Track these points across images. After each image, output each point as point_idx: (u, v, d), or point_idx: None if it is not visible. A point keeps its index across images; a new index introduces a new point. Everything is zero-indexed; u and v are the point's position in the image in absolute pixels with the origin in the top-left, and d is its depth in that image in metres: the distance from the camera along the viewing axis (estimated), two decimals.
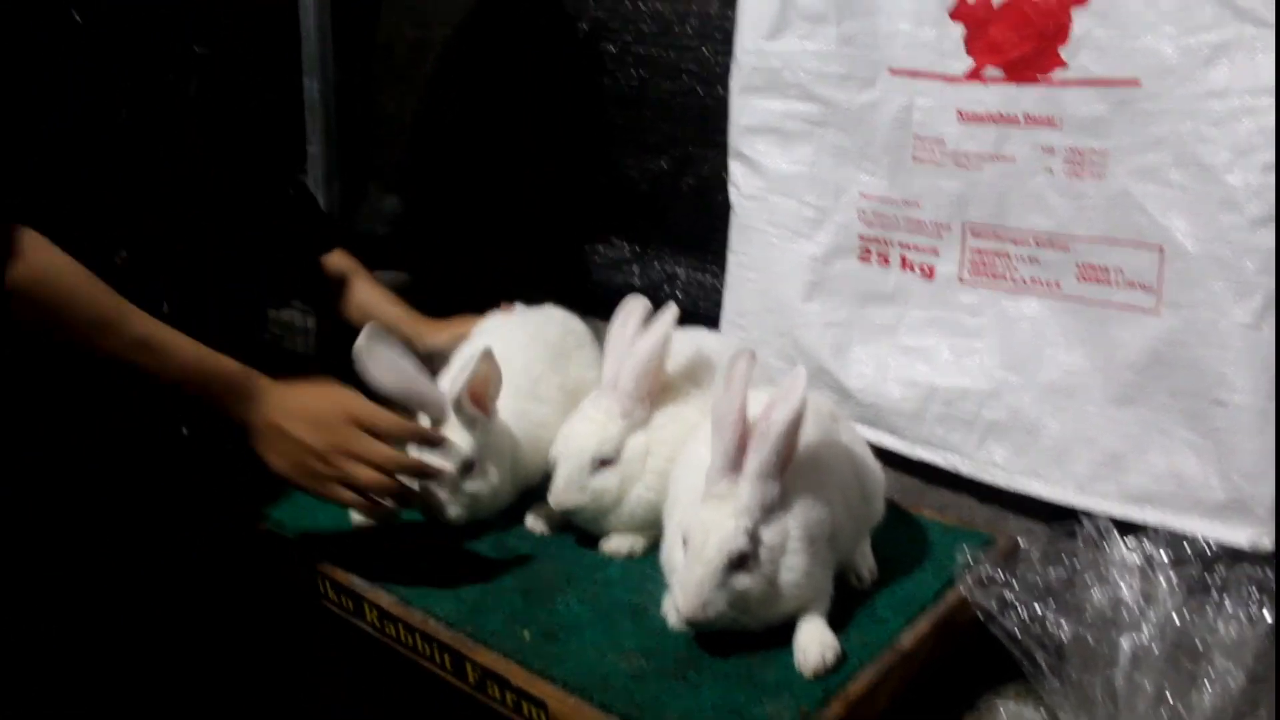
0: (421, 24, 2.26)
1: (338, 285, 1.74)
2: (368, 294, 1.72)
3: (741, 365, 1.18)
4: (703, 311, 1.80)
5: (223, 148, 1.59)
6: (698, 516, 1.15)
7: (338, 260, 1.75)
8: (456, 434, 1.38)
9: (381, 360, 1.36)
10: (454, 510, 1.39)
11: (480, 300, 1.70)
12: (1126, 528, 1.32)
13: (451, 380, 1.42)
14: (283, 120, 1.79)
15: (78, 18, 1.32)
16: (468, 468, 1.39)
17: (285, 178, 1.77)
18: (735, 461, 1.15)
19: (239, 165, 1.65)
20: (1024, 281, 1.45)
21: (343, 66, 2.36)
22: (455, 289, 1.81)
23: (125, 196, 1.40)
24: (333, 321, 1.75)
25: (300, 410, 1.31)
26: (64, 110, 1.32)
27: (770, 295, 1.66)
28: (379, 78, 2.40)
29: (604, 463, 1.35)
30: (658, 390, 1.38)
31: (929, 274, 1.54)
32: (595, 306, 1.96)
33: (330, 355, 2.54)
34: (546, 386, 1.51)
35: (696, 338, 1.48)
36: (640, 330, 1.38)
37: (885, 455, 1.56)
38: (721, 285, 1.74)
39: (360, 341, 1.35)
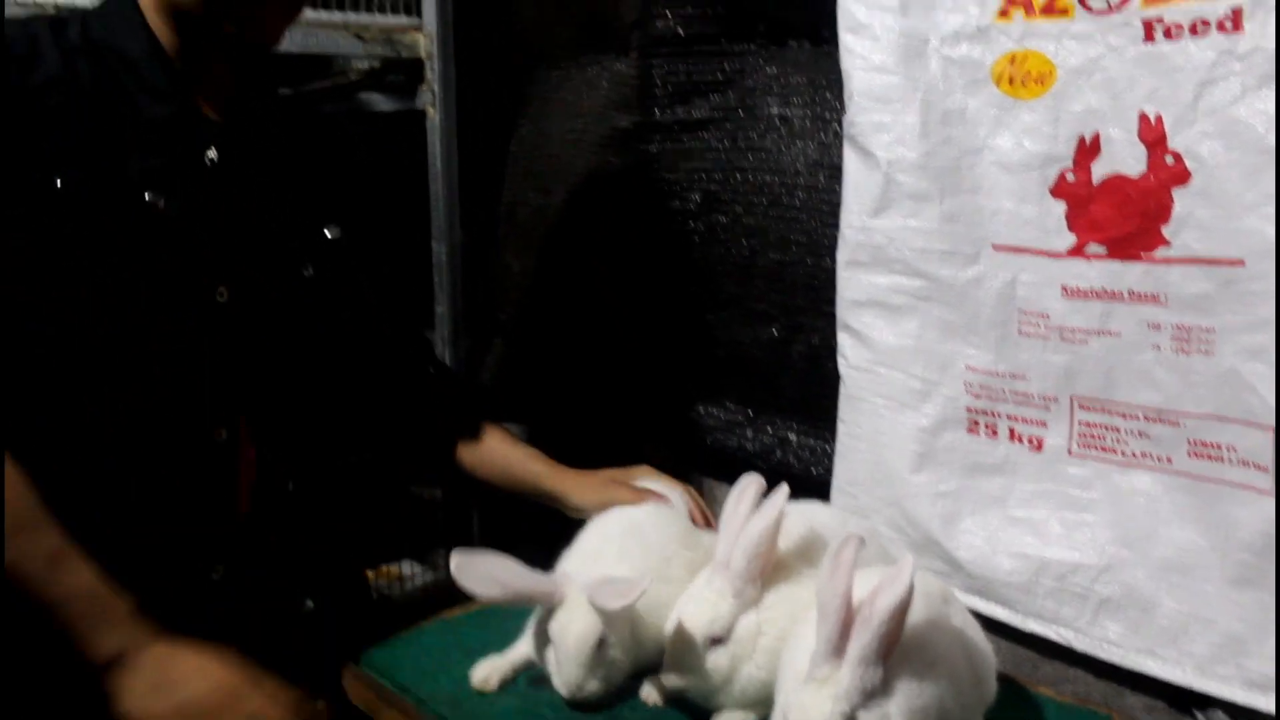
0: (543, 190, 2.36)
1: (478, 451, 1.72)
2: (508, 452, 1.71)
3: (848, 552, 1.20)
4: (815, 476, 1.82)
5: (349, 326, 1.64)
6: (797, 698, 1.17)
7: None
8: (580, 614, 1.41)
9: (481, 578, 1.40)
10: (592, 685, 1.42)
11: (598, 456, 1.74)
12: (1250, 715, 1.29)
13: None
14: (413, 293, 1.83)
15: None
16: (601, 644, 1.42)
17: (423, 356, 1.78)
18: (838, 646, 1.17)
19: (369, 344, 1.68)
20: (1134, 456, 1.45)
21: (469, 230, 2.48)
22: (573, 443, 1.86)
23: (241, 372, 1.46)
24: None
25: (186, 685, 1.20)
26: (162, 297, 1.38)
27: (880, 465, 1.67)
28: (503, 240, 2.50)
29: (715, 641, 1.37)
30: (770, 569, 1.40)
31: (1037, 446, 1.54)
32: (710, 468, 2.01)
33: (458, 498, 2.62)
34: (676, 566, 1.51)
35: (809, 513, 1.50)
36: (754, 509, 1.41)
37: (997, 627, 1.55)
38: (833, 449, 1.77)
39: (454, 569, 1.38)
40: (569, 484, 1.65)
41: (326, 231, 1.56)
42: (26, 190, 1.28)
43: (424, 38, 2.35)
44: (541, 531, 1.69)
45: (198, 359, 1.41)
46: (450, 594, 1.45)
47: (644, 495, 1.61)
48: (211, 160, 1.42)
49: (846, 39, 1.62)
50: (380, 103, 2.50)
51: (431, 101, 2.36)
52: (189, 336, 1.40)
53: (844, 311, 1.69)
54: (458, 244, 2.41)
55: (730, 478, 1.45)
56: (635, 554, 1.50)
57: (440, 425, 1.72)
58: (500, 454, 1.70)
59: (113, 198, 1.33)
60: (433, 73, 2.35)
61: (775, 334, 1.89)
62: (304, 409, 1.55)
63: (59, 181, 1.29)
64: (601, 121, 2.16)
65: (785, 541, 1.44)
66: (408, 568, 2.73)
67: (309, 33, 2.20)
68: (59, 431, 1.35)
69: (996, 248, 1.53)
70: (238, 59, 1.47)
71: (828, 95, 1.80)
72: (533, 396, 2.45)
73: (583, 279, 2.27)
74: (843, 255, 1.67)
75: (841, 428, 1.73)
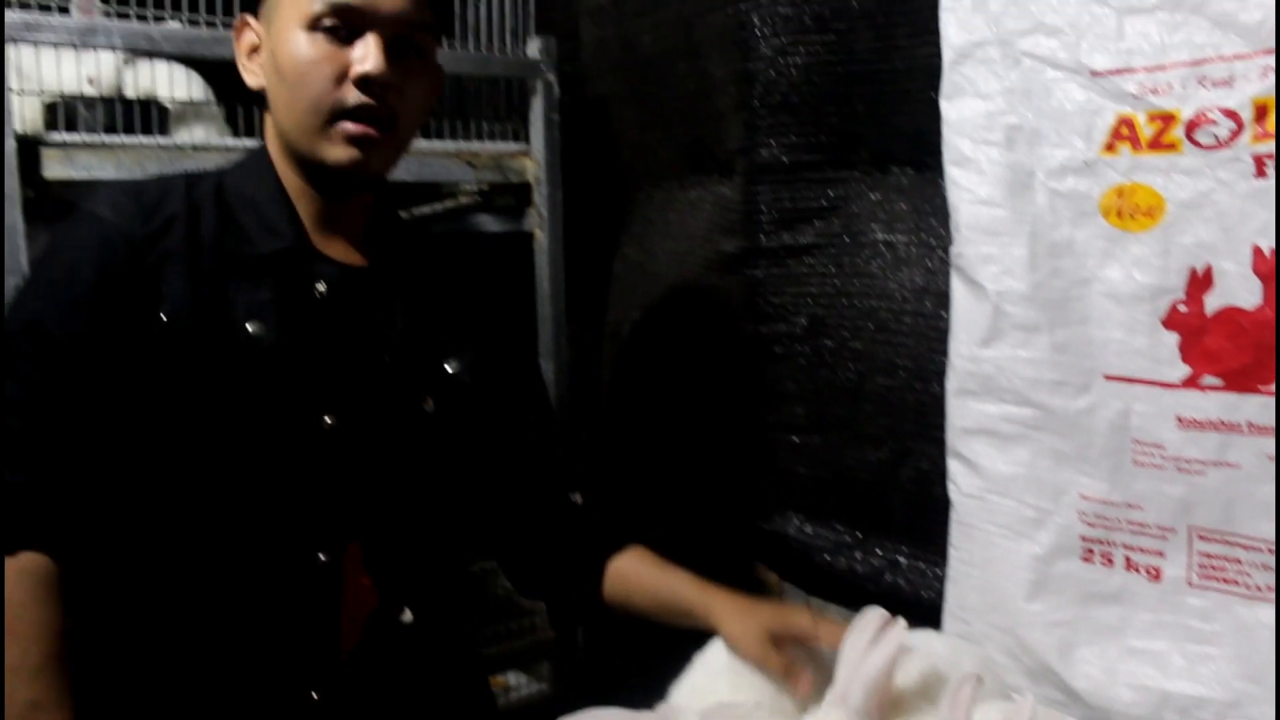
0: (648, 309, 2.42)
1: (625, 584, 1.64)
2: (657, 581, 1.62)
3: (966, 691, 1.20)
4: (925, 599, 1.82)
5: (475, 460, 1.64)
6: None
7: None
8: None
9: None
10: None
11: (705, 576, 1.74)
12: None
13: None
14: (550, 423, 1.77)
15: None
16: None
17: (565, 485, 1.73)
18: None
19: (499, 478, 1.68)
20: (1259, 589, 1.43)
21: (575, 347, 2.54)
22: (679, 563, 1.88)
23: (348, 499, 1.49)
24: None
25: None
26: (263, 421, 1.44)
27: (993, 593, 1.67)
28: (608, 357, 2.56)
29: None
30: (887, 705, 1.40)
31: (1155, 576, 1.53)
32: (819, 589, 2.01)
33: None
34: (788, 699, 1.51)
35: (924, 644, 1.50)
36: (873, 642, 1.41)
37: None
38: (943, 573, 1.76)
39: None
40: (721, 614, 1.52)
41: (447, 366, 1.59)
42: (133, 325, 1.38)
43: (531, 163, 2.44)
44: (645, 642, 1.71)
45: (298, 481, 1.46)
46: (555, 706, 1.47)
47: (798, 678, 1.45)
48: (320, 293, 1.48)
49: (952, 172, 1.66)
50: (489, 224, 2.59)
51: (539, 224, 2.44)
52: (289, 460, 1.45)
53: (954, 439, 1.70)
54: (565, 362, 2.47)
55: (839, 599, 1.46)
56: (746, 687, 1.51)
57: (582, 563, 1.66)
58: (649, 583, 1.61)
59: (217, 329, 1.41)
60: (540, 196, 2.43)
61: (884, 457, 1.90)
62: (427, 540, 1.59)
63: (164, 315, 1.38)
64: (706, 244, 2.22)
65: (902, 675, 1.44)
66: (513, 678, 2.76)
67: (423, 162, 2.30)
68: (157, 548, 1.42)
69: (1108, 378, 1.54)
70: (357, 195, 1.54)
71: (932, 221, 1.83)
72: (637, 514, 2.48)
73: (687, 397, 2.31)
74: (952, 384, 1.69)
75: (953, 554, 1.73)
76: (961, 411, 1.68)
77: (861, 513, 1.97)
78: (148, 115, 2.02)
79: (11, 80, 1.79)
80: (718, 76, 2.15)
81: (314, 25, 1.39)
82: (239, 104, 2.17)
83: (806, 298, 2.00)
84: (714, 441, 2.25)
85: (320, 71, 1.39)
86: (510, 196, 2.49)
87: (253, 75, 1.50)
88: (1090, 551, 1.58)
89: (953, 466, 1.71)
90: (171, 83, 2.13)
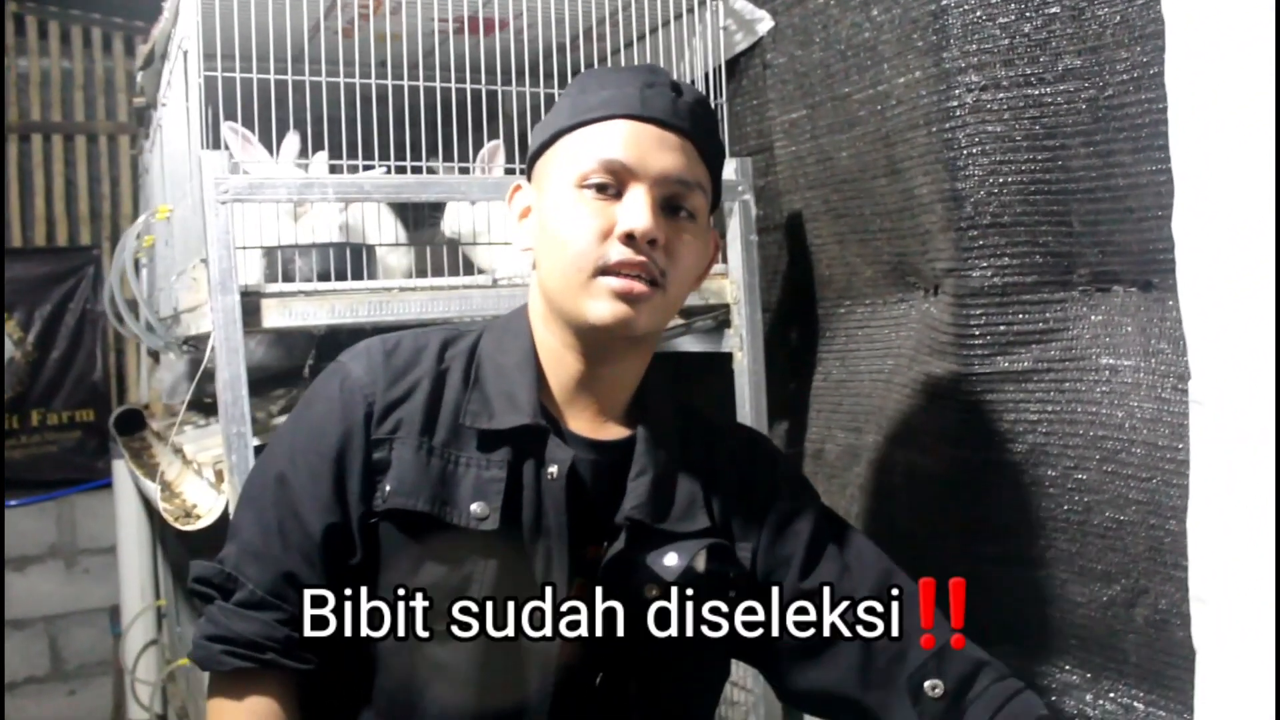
0: (854, 429, 2.35)
1: None
2: None
3: None
4: None
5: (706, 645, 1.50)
6: None
7: None
8: None
9: None
10: None
11: None
12: None
13: None
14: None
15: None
16: None
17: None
18: None
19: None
20: None
21: None
22: None
23: (574, 684, 1.42)
24: None
25: None
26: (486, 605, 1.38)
27: None
28: (811, 477, 2.49)
29: None
30: None
31: None
32: None
33: None
34: None
35: None
36: None
37: None
38: None
39: None
40: None
41: (665, 561, 1.42)
42: (362, 492, 1.40)
43: (730, 284, 2.42)
44: None
45: (525, 665, 1.40)
46: None
47: None
48: (551, 476, 1.41)
49: (1189, 304, 1.56)
50: (688, 344, 2.58)
51: (738, 345, 2.41)
52: (514, 643, 1.38)
53: (1199, 585, 1.58)
54: None
55: None
56: None
57: None
58: None
59: (439, 505, 1.39)
60: (739, 318, 2.40)
61: (1114, 595, 1.78)
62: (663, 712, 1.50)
63: (388, 486, 1.39)
64: (913, 364, 2.15)
65: None
66: None
67: None
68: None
69: None
70: (621, 358, 1.48)
71: (1162, 345, 1.73)
72: None
73: (896, 524, 2.23)
74: (1195, 525, 1.57)
75: (1200, 709, 1.60)
76: (1207, 556, 1.56)
77: (1091, 653, 1.85)
78: (357, 259, 2.07)
79: (237, 237, 1.86)
80: (923, 195, 2.09)
81: (584, 182, 1.39)
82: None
83: (1023, 425, 1.91)
84: (925, 572, 2.16)
85: (586, 226, 1.37)
86: (709, 317, 2.47)
87: (526, 237, 1.49)
88: None
89: (1198, 614, 1.59)
90: (380, 225, 2.20)
